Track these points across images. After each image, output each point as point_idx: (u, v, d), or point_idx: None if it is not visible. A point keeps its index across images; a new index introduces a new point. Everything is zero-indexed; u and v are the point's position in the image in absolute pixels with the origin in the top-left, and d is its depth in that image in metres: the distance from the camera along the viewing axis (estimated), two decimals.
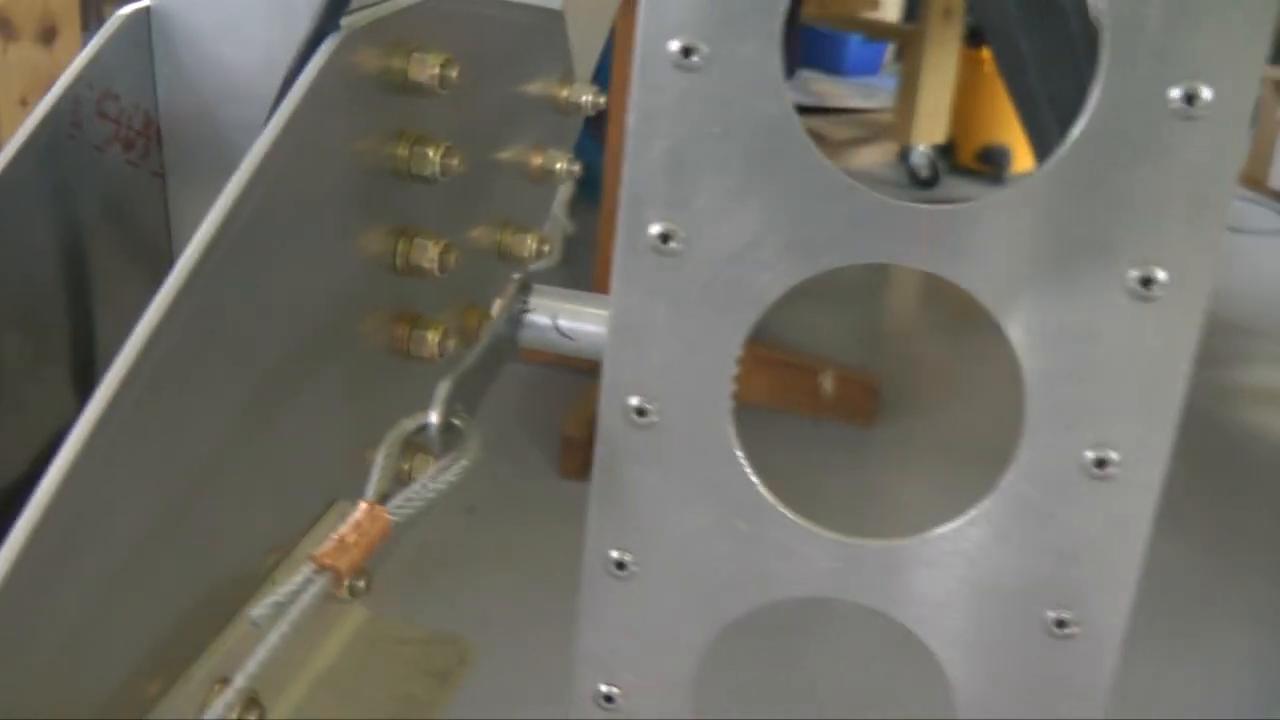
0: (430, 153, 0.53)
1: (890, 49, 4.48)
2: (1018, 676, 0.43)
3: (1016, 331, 0.40)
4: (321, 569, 0.37)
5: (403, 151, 0.53)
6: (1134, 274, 0.38)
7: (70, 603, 0.41)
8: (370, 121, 0.52)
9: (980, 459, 2.37)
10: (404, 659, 0.57)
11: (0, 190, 0.48)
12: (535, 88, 0.68)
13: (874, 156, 3.81)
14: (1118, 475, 0.40)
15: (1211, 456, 2.49)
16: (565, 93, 0.69)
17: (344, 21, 0.48)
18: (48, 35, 2.23)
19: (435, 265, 0.55)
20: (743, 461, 0.43)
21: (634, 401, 0.43)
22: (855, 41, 4.38)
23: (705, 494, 0.43)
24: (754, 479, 0.43)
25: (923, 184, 3.68)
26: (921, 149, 3.66)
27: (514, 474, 2.20)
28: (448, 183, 0.55)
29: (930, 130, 3.60)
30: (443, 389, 0.41)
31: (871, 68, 4.50)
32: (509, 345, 0.46)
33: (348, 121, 0.50)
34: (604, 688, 0.47)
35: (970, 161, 3.67)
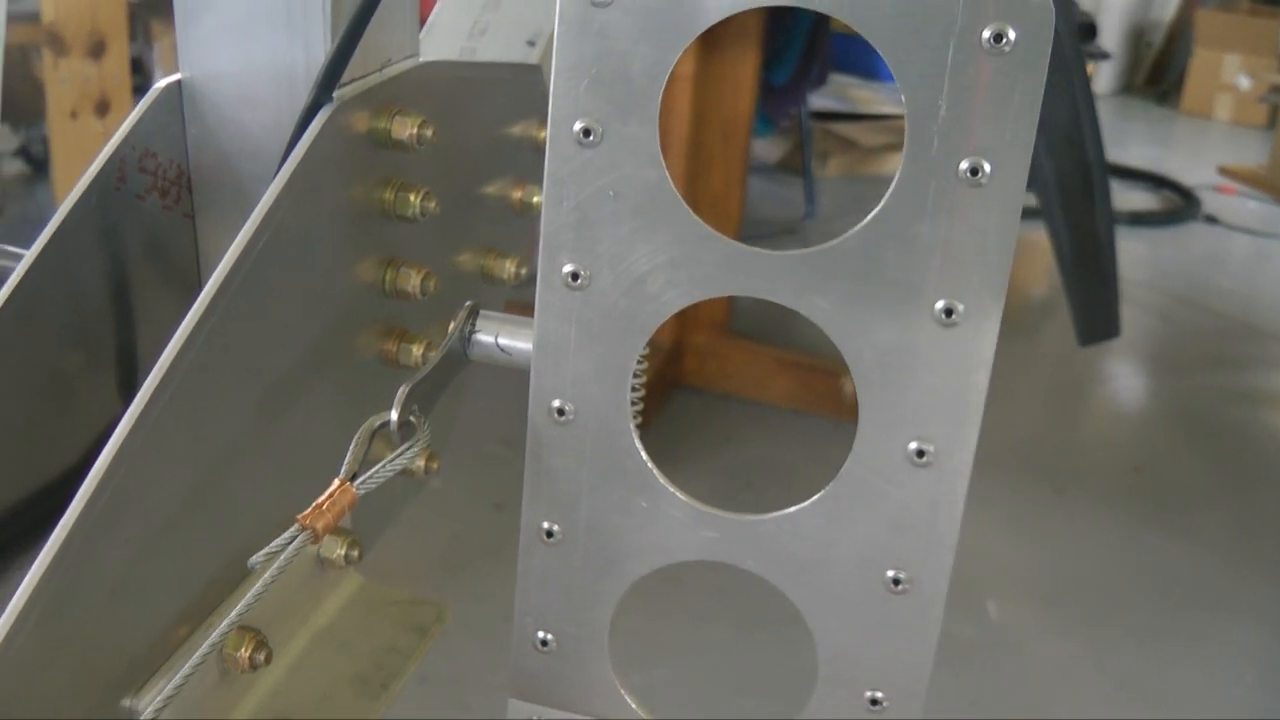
0: (411, 197, 0.64)
1: None
2: (864, 625, 0.54)
3: (850, 350, 0.50)
4: (303, 528, 0.48)
5: (389, 196, 0.64)
6: (939, 306, 0.49)
7: (116, 559, 0.52)
8: (360, 172, 0.63)
9: (997, 461, 2.45)
10: (391, 617, 0.68)
11: (61, 232, 0.60)
12: (516, 130, 0.79)
13: None
14: (934, 462, 0.51)
15: (1235, 460, 2.56)
16: (544, 134, 0.80)
17: (337, 93, 0.59)
18: (96, 50, 2.36)
19: (418, 290, 0.66)
20: (641, 451, 0.54)
21: (555, 404, 0.54)
22: None
23: (612, 477, 0.54)
24: (650, 465, 0.54)
25: None
26: None
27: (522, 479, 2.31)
28: (428, 220, 0.66)
29: None
30: (401, 393, 0.53)
31: None
32: (460, 358, 0.57)
33: (341, 173, 0.61)
34: (540, 634, 0.58)
35: None
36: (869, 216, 0.49)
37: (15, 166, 3.45)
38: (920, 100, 0.47)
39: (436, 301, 0.69)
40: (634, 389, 0.54)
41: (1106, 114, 5.13)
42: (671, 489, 0.54)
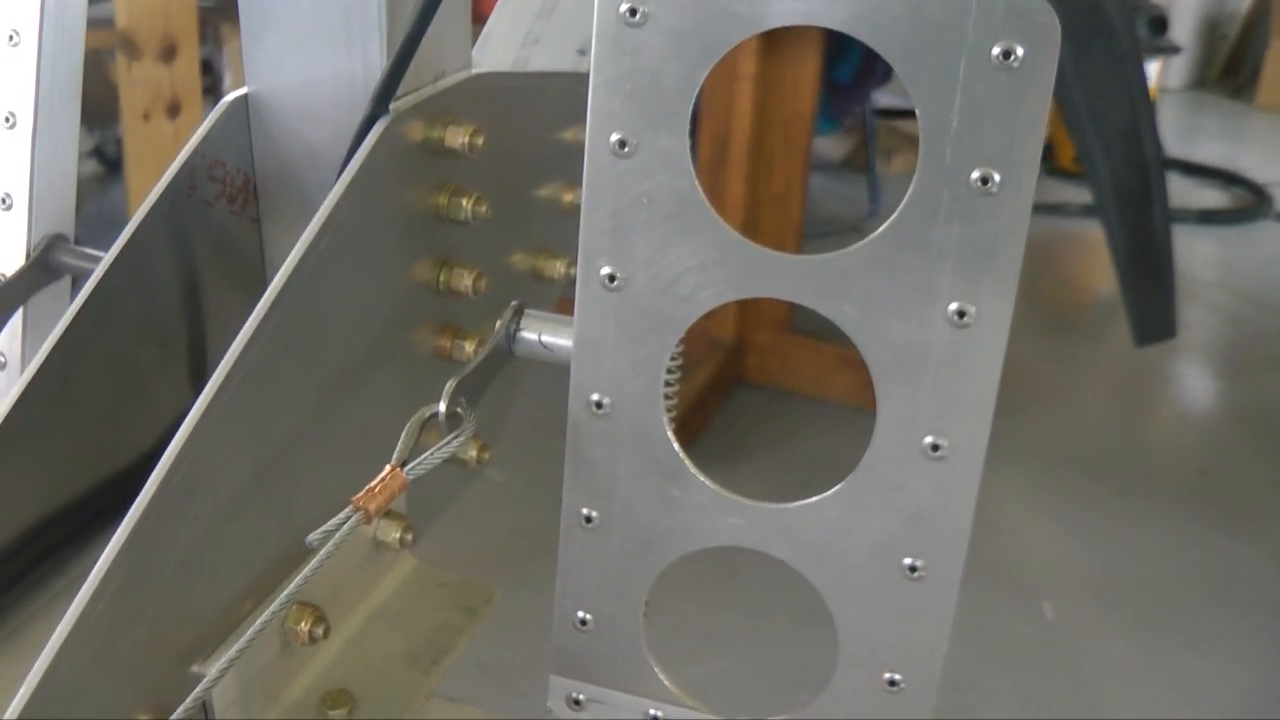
0: (464, 202, 0.68)
1: None
2: (882, 610, 0.57)
3: (869, 350, 0.53)
4: (356, 509, 0.52)
5: (443, 200, 0.68)
6: (952, 308, 0.52)
7: (185, 537, 0.56)
8: (415, 178, 0.66)
9: (1058, 461, 2.45)
10: (442, 597, 0.72)
11: (137, 236, 0.64)
12: (567, 136, 0.83)
13: None
14: (948, 456, 0.54)
15: None
16: None
17: (393, 106, 0.63)
18: (168, 54, 2.43)
19: (470, 289, 0.70)
20: (673, 441, 0.57)
21: (594, 397, 0.58)
22: None
23: (646, 467, 0.58)
24: (682, 455, 0.57)
25: None
26: None
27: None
28: (481, 223, 0.69)
29: None
30: (450, 386, 0.56)
31: None
32: (506, 354, 0.61)
33: (396, 180, 0.65)
34: (580, 614, 0.62)
35: (1068, 164, 3.71)
36: (886, 223, 0.52)
37: (90, 166, 3.54)
38: (933, 113, 0.50)
39: (489, 299, 0.72)
40: (668, 383, 0.58)
41: (1178, 109, 5.09)
42: (702, 478, 0.57)
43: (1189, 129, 4.84)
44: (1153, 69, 3.77)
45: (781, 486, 2.46)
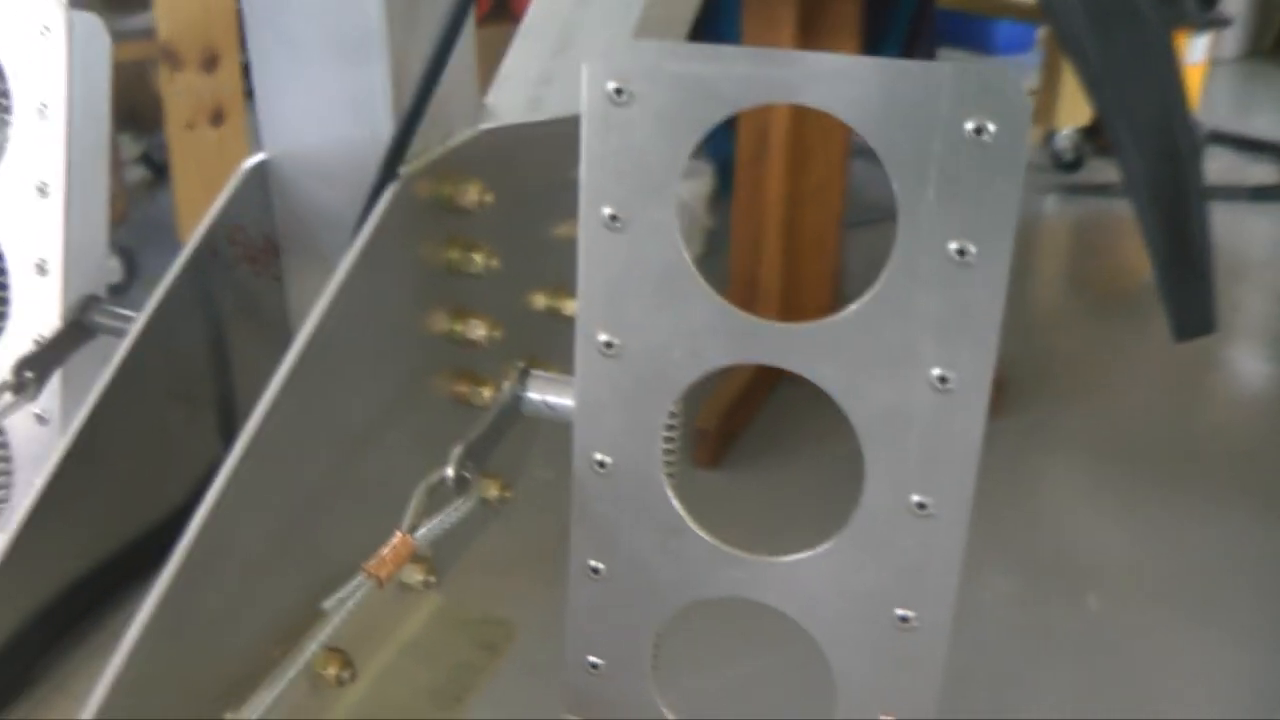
0: (476, 257, 0.70)
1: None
2: (875, 658, 0.59)
3: (854, 413, 0.55)
4: (368, 575, 0.55)
5: (455, 255, 0.70)
6: (934, 373, 0.54)
7: (213, 599, 0.59)
8: (426, 235, 0.69)
9: (1106, 448, 2.43)
10: (464, 635, 0.75)
11: (166, 299, 0.67)
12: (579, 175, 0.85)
13: None
14: (934, 515, 0.55)
15: None
16: None
17: (403, 170, 0.66)
18: (210, 63, 2.48)
19: (485, 339, 0.72)
20: (672, 499, 0.59)
21: (596, 456, 0.60)
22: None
23: (646, 522, 0.60)
24: (681, 511, 0.60)
25: (1067, 167, 3.71)
26: (1066, 132, 3.69)
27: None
28: (494, 274, 0.72)
29: (1075, 112, 3.64)
30: (457, 451, 0.59)
31: (1023, 46, 4.51)
32: (513, 414, 0.63)
33: (408, 239, 0.67)
34: (590, 658, 0.64)
35: None
36: (869, 292, 0.53)
37: (138, 173, 3.62)
38: (910, 186, 0.51)
39: (508, 343, 0.75)
40: (669, 440, 0.60)
41: (1231, 80, 5.01)
42: (700, 533, 0.60)
43: (1241, 101, 4.78)
44: (1202, 42, 3.72)
45: (827, 482, 2.47)
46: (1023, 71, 4.29)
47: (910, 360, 0.54)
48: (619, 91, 0.54)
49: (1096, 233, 3.56)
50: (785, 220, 2.64)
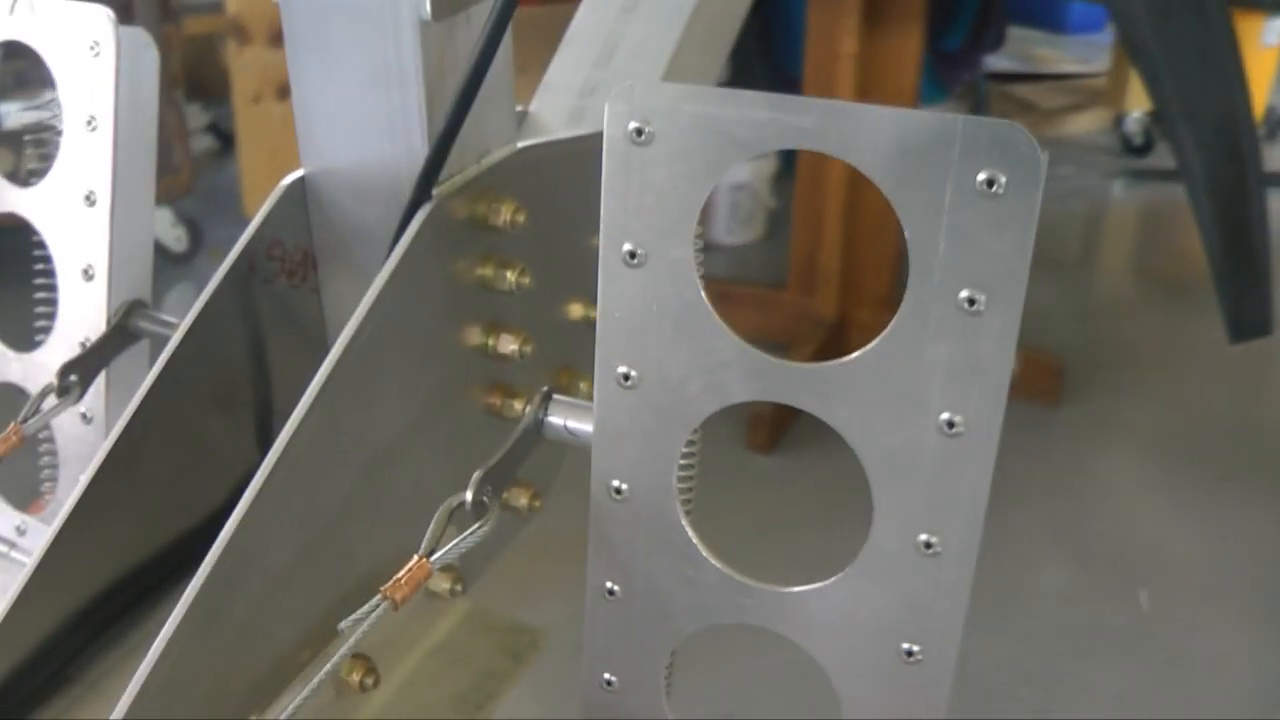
0: (508, 274, 0.72)
1: None
2: (881, 690, 0.60)
3: (863, 453, 0.56)
4: (384, 598, 0.57)
5: (488, 272, 0.72)
6: (942, 418, 0.54)
7: (239, 608, 0.62)
8: (460, 253, 0.70)
9: (1160, 444, 2.40)
10: (492, 642, 0.77)
11: (205, 313, 0.69)
12: None
13: (1087, 123, 3.81)
14: (941, 554, 0.56)
15: None
16: None
17: (437, 190, 0.67)
18: (277, 38, 2.50)
19: (516, 354, 0.74)
20: (687, 528, 0.61)
21: (613, 483, 0.61)
22: None
23: (662, 549, 0.61)
24: (695, 540, 0.61)
25: (1136, 151, 3.66)
26: (1136, 115, 3.64)
27: (703, 446, 2.37)
28: (526, 290, 0.73)
29: (1145, 95, 3.57)
30: (476, 477, 0.61)
31: (1096, 25, 4.43)
32: (535, 437, 0.65)
33: (441, 258, 0.69)
34: (606, 675, 0.66)
35: None
36: (880, 337, 0.54)
37: (205, 143, 3.68)
38: (921, 236, 0.52)
39: (542, 356, 0.76)
40: (686, 469, 0.61)
41: None
42: (714, 561, 0.61)
43: None
44: (1277, 25, 3.64)
45: None
46: (1094, 51, 4.23)
47: (919, 404, 0.54)
48: (639, 131, 0.55)
49: (1164, 219, 3.51)
50: (846, 203, 2.63)
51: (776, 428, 2.41)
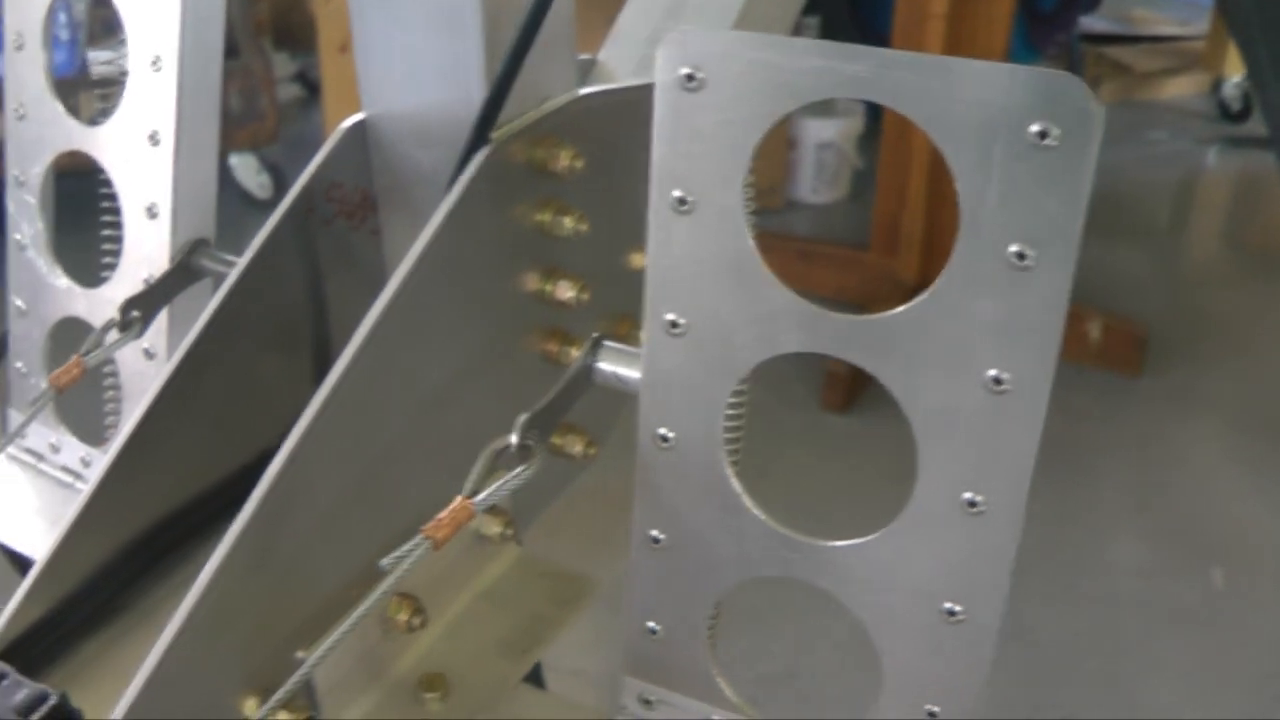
0: (566, 220, 0.72)
1: None
2: (922, 647, 0.59)
3: (909, 408, 0.55)
4: (425, 538, 0.57)
5: (545, 218, 0.72)
6: (989, 374, 0.53)
7: (287, 544, 0.62)
8: (517, 198, 0.70)
9: (1240, 417, 2.35)
10: (542, 588, 0.77)
11: (263, 252, 0.70)
12: None
13: (1184, 87, 3.72)
14: (986, 513, 0.56)
15: None
16: None
17: (495, 134, 0.67)
18: None
19: (574, 300, 0.74)
20: (732, 479, 0.60)
21: (660, 431, 0.61)
22: None
23: (707, 499, 0.61)
24: (740, 490, 0.61)
25: (1234, 118, 3.57)
26: (1234, 81, 3.55)
27: (777, 405, 2.36)
28: (584, 236, 0.73)
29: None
30: (521, 420, 0.61)
31: None
32: (584, 383, 0.65)
33: (498, 203, 0.69)
34: (650, 624, 0.66)
35: None
36: (928, 290, 0.53)
37: (292, 91, 3.71)
38: (971, 188, 0.51)
39: (599, 302, 0.76)
40: (734, 419, 0.61)
41: None
42: (758, 513, 0.61)
43: None
44: None
45: None
46: (1193, 13, 4.12)
47: (966, 360, 0.54)
48: (690, 77, 0.55)
49: (1260, 187, 3.41)
50: (931, 164, 2.60)
51: (852, 388, 2.39)
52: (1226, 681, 1.81)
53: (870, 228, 2.81)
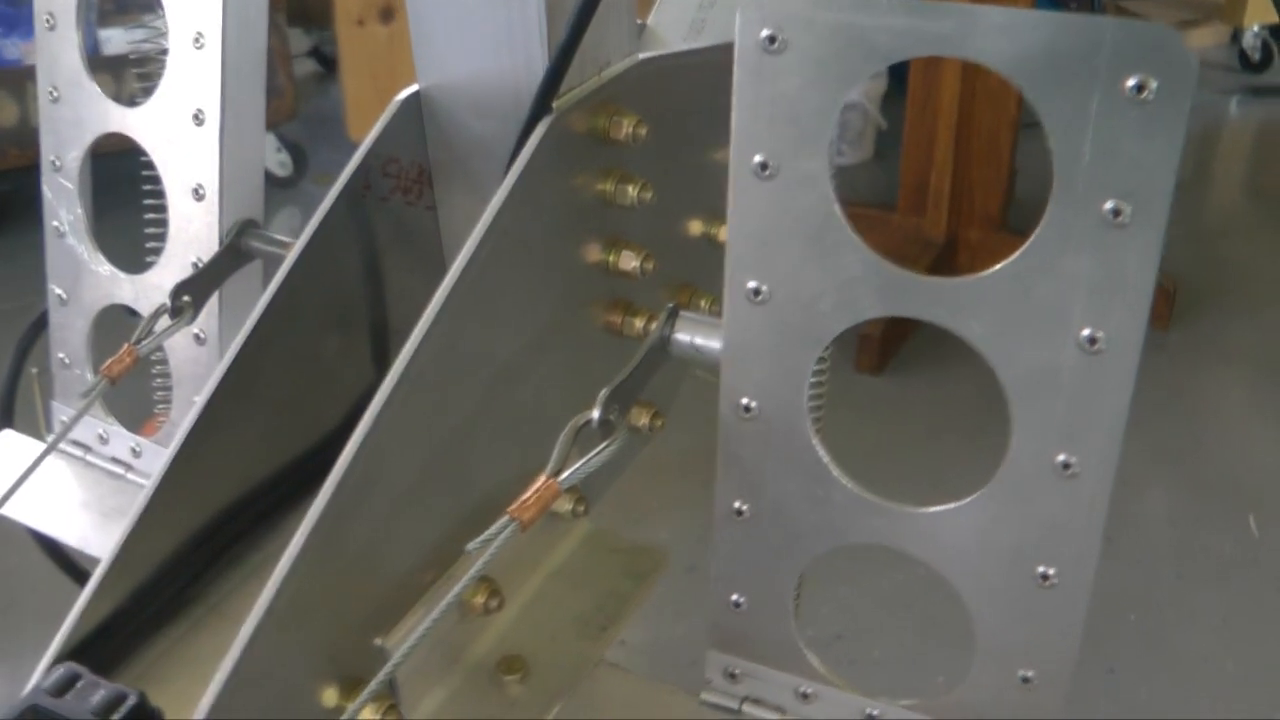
0: (630, 189, 0.71)
1: None
2: (1015, 612, 0.59)
3: (1002, 370, 0.54)
4: (511, 519, 0.57)
5: (609, 187, 0.71)
6: (1083, 334, 0.52)
7: (362, 528, 0.61)
8: (580, 168, 0.69)
9: (1277, 369, 2.33)
10: (614, 563, 0.76)
11: (320, 231, 0.69)
12: None
13: (1205, 39, 3.68)
14: (1079, 474, 0.55)
15: None
16: None
17: (556, 103, 0.66)
18: None
19: (638, 270, 0.73)
20: (818, 447, 0.60)
21: (743, 401, 0.60)
22: None
23: (791, 468, 0.60)
24: (826, 459, 0.60)
25: (1254, 67, 3.54)
26: (1255, 30, 3.51)
27: None
28: (648, 205, 0.72)
29: (1265, 10, 3.44)
30: (603, 395, 0.60)
31: None
32: (661, 355, 0.64)
33: (561, 173, 0.67)
34: (734, 596, 0.65)
35: None
36: (1020, 249, 0.52)
37: (308, 66, 3.68)
38: (1066, 143, 0.50)
39: (662, 273, 0.75)
40: (817, 386, 0.60)
41: None
42: (845, 481, 0.60)
43: None
44: None
45: (989, 393, 2.42)
46: None
47: (1060, 320, 0.53)
48: (772, 40, 0.53)
49: None
50: (958, 122, 2.58)
51: (886, 349, 2.38)
52: (1266, 630, 1.80)
53: (897, 188, 2.79)
